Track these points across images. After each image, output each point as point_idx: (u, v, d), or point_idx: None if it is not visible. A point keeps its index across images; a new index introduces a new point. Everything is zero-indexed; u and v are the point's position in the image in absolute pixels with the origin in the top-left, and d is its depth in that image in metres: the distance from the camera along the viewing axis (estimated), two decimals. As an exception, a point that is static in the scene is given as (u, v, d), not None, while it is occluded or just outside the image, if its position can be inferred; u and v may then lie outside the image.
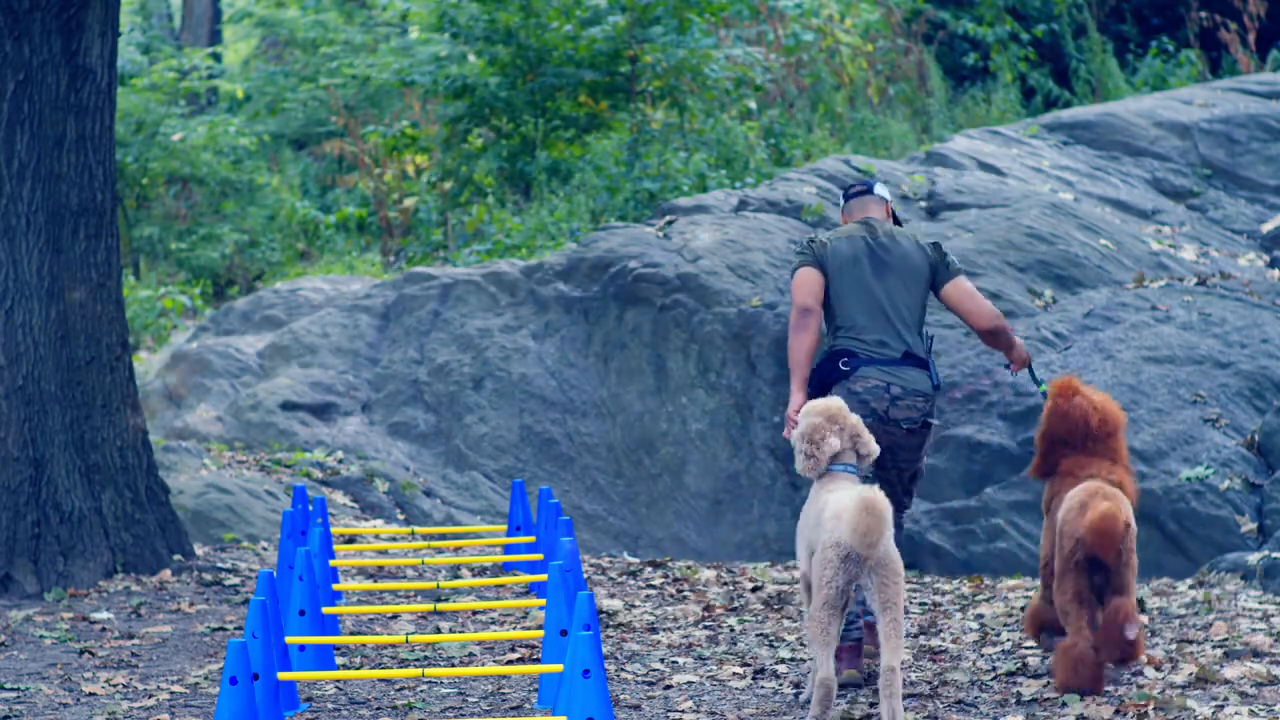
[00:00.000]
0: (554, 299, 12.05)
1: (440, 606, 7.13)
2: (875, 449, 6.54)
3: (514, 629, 8.03)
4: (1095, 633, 6.52)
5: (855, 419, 6.55)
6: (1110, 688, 6.46)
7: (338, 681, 7.03)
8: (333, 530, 8.69)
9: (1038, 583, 8.47)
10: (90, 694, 6.85)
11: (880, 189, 7.45)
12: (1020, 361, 7.37)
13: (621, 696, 6.65)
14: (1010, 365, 7.40)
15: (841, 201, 7.52)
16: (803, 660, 7.23)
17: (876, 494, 6.06)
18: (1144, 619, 7.64)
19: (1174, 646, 7.09)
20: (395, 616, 8.40)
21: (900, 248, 7.19)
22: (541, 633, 6.52)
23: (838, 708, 6.38)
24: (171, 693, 6.86)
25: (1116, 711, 6.10)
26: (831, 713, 6.10)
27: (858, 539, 6.03)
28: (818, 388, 7.06)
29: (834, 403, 6.58)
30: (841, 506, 6.16)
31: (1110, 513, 6.45)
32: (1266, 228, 12.67)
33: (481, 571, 9.58)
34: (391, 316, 12.69)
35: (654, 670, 7.13)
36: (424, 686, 6.98)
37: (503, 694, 6.84)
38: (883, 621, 6.11)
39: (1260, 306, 10.85)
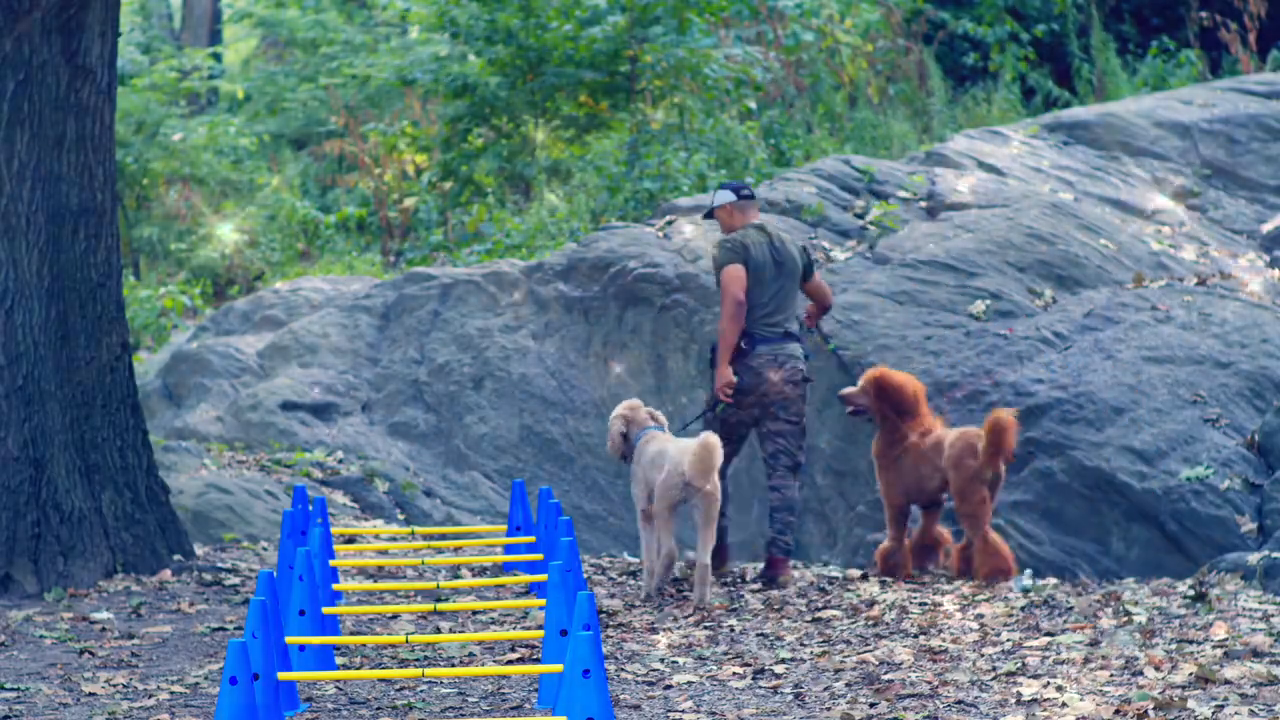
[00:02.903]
0: (554, 299, 12.05)
1: (440, 606, 7.13)
2: (664, 419, 9.03)
3: (514, 629, 8.03)
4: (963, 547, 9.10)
5: (645, 410, 8.96)
6: (1110, 688, 6.47)
7: (338, 681, 7.03)
8: (333, 530, 8.69)
9: (1023, 574, 9.04)
10: (90, 694, 6.85)
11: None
12: (814, 319, 9.58)
13: (621, 696, 6.65)
14: (807, 322, 9.53)
15: (733, 197, 9.29)
16: (803, 660, 7.24)
17: (712, 438, 8.30)
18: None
19: (1174, 646, 7.09)
20: (395, 616, 8.40)
21: (788, 250, 9.20)
22: (541, 633, 6.52)
23: (838, 707, 6.39)
24: (171, 693, 6.87)
25: (1117, 712, 6.11)
26: (669, 576, 8.62)
27: (698, 470, 8.29)
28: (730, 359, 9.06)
29: (629, 403, 8.98)
30: (684, 448, 8.40)
31: (1005, 419, 8.88)
32: (1266, 228, 12.68)
33: (481, 571, 9.58)
34: (391, 316, 12.69)
35: (654, 670, 7.13)
36: (424, 686, 6.98)
37: (503, 694, 6.85)
38: (702, 532, 8.43)
39: (1260, 306, 10.85)
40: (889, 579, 9.21)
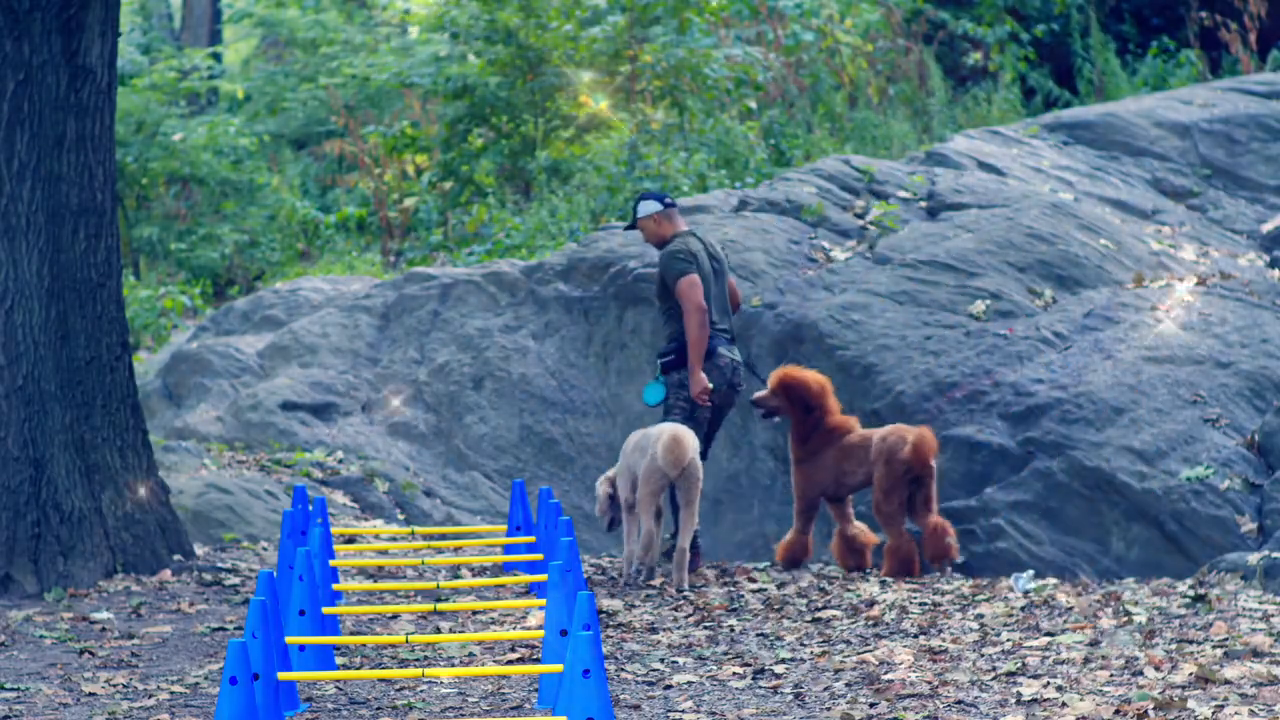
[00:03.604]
0: (554, 299, 12.06)
1: (440, 606, 7.13)
2: None
3: (514, 629, 8.03)
4: (923, 538, 9.32)
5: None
6: (1110, 688, 6.47)
7: (338, 681, 7.03)
8: (333, 530, 8.69)
9: (1023, 575, 8.98)
10: (90, 694, 6.85)
11: None
12: None
13: (621, 696, 6.65)
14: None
15: (660, 206, 9.54)
16: (803, 660, 7.24)
17: (682, 429, 8.75)
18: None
19: (1174, 646, 7.09)
20: (395, 616, 8.40)
21: (718, 253, 9.60)
22: (541, 633, 6.52)
23: (838, 707, 6.39)
24: (171, 693, 6.87)
25: (1117, 712, 6.11)
26: (652, 555, 8.89)
27: (669, 461, 8.67)
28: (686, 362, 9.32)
29: (611, 475, 9.18)
30: (658, 433, 8.76)
31: (928, 435, 9.30)
32: (1266, 228, 12.68)
33: (481, 571, 9.58)
34: (391, 316, 12.69)
35: (654, 670, 7.13)
36: (424, 686, 6.98)
37: (503, 694, 6.85)
38: (684, 513, 8.86)
39: (1260, 306, 10.85)
40: (794, 570, 9.51)
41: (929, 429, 9.46)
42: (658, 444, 8.75)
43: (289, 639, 6.49)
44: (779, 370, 9.73)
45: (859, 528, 9.64)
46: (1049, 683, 6.58)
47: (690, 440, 8.76)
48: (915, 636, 7.63)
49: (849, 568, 9.56)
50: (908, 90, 17.02)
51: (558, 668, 5.96)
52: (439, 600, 8.67)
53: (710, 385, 9.31)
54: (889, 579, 9.21)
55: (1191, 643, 7.15)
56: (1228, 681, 6.45)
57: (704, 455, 9.57)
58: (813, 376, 9.65)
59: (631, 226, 9.72)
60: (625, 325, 11.67)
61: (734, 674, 7.03)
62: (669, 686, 6.86)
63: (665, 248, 9.49)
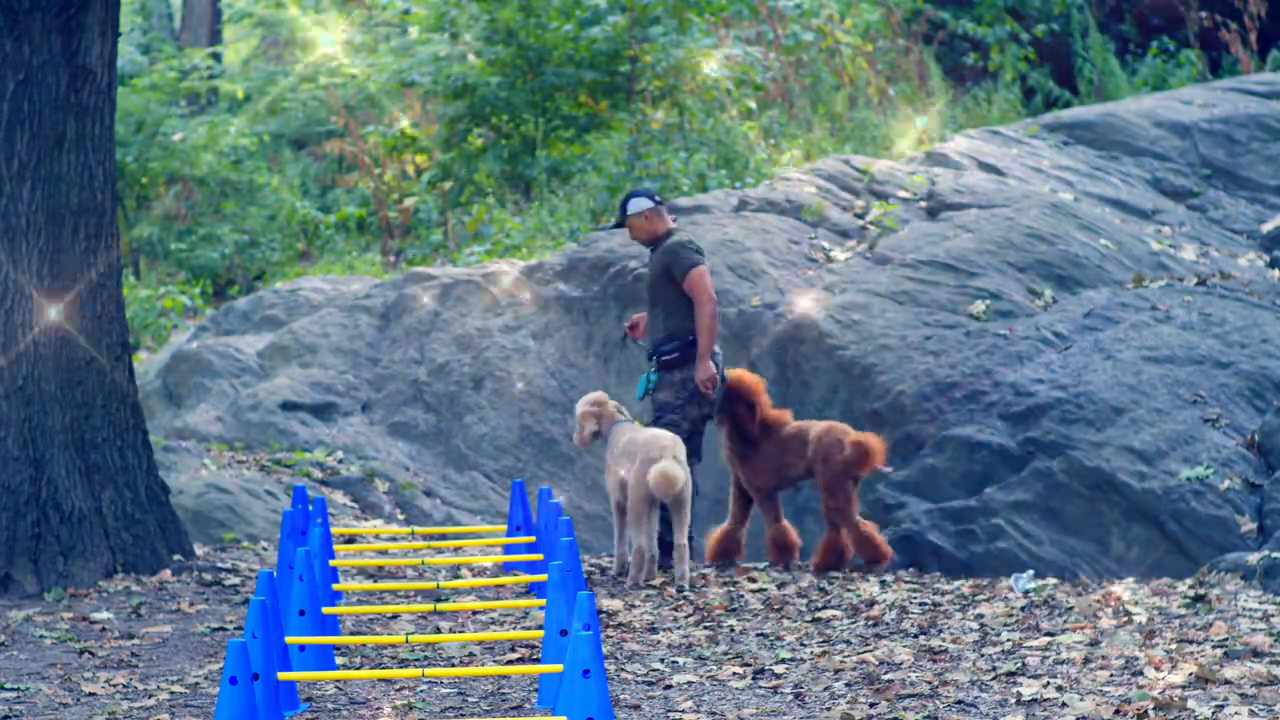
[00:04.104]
0: (554, 299, 12.05)
1: (440, 606, 7.13)
2: (628, 412, 9.50)
3: (514, 629, 8.03)
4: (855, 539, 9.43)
5: (612, 405, 9.28)
6: (1110, 688, 6.47)
7: (338, 681, 7.03)
8: (333, 530, 8.69)
9: (1023, 575, 8.94)
10: (90, 694, 6.85)
11: None
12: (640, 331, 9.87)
13: (621, 696, 6.65)
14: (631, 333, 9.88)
15: (651, 204, 9.58)
16: (803, 660, 7.24)
17: (672, 466, 8.65)
18: (1140, 618, 7.67)
19: (1174, 646, 7.09)
20: (395, 616, 8.40)
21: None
22: (541, 633, 6.52)
23: (838, 707, 6.39)
24: (171, 693, 6.87)
25: (1117, 711, 6.11)
26: (646, 574, 8.89)
27: (664, 489, 8.66)
28: (692, 358, 9.39)
29: (596, 398, 9.28)
30: (650, 440, 8.79)
31: (873, 439, 9.39)
32: (1266, 228, 12.68)
33: (481, 571, 9.58)
34: (391, 316, 12.69)
35: (654, 670, 7.13)
36: (424, 686, 6.98)
37: (503, 694, 6.85)
38: (675, 518, 8.88)
39: (1260, 306, 10.85)
40: (788, 565, 9.62)
41: (874, 436, 9.46)
42: (649, 476, 8.70)
43: (289, 639, 6.49)
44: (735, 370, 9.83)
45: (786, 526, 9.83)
46: (1049, 683, 6.58)
47: (678, 471, 8.73)
48: (915, 636, 7.63)
49: (778, 563, 9.70)
50: (908, 90, 17.02)
51: (558, 668, 5.96)
52: (439, 600, 8.67)
53: (716, 376, 9.39)
54: (888, 579, 9.22)
55: (1191, 643, 7.15)
56: (1228, 681, 6.45)
57: (697, 453, 9.59)
58: (749, 374, 9.74)
59: (619, 225, 9.72)
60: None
61: (734, 674, 7.03)
62: (669, 686, 6.86)
63: (670, 239, 9.50)
